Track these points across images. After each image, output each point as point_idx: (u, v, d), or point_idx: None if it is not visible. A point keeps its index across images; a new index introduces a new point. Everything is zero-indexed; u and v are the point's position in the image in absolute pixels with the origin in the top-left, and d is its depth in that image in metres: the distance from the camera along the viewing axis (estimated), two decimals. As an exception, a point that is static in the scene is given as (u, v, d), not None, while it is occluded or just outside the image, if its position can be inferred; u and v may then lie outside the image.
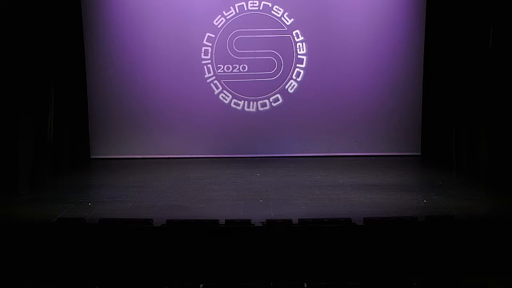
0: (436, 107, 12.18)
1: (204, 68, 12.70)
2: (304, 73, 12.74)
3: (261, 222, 7.35)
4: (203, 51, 12.65)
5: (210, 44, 12.65)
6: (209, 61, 12.70)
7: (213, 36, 12.63)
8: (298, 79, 12.78)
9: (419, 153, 12.77)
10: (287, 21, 12.61)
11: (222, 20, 12.62)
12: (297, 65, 12.73)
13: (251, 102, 12.84)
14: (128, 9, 12.55)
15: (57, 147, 11.48)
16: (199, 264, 7.11)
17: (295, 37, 12.67)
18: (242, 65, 12.67)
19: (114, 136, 12.80)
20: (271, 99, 12.81)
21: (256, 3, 12.64)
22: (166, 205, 8.95)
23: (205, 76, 12.71)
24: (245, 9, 12.61)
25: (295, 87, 12.79)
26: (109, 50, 12.60)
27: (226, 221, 7.33)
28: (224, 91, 12.78)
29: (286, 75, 12.75)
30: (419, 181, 10.96)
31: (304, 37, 12.66)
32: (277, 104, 12.83)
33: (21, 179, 9.85)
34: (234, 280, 6.61)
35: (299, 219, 7.39)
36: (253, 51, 12.62)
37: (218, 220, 7.33)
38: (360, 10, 12.58)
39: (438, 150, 12.07)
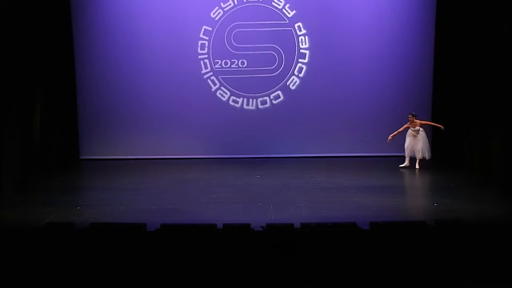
0: (446, 107, 12.12)
1: (200, 63, 12.62)
2: (306, 68, 12.66)
3: (261, 226, 7.22)
4: (199, 45, 12.58)
5: (207, 38, 12.57)
6: (206, 56, 12.61)
7: (210, 29, 12.55)
8: (300, 75, 12.69)
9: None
10: (289, 14, 12.53)
11: (220, 12, 12.53)
12: (299, 60, 12.66)
13: (251, 100, 12.75)
14: (120, 2, 12.47)
15: (45, 147, 11.49)
16: (195, 271, 6.99)
17: (297, 31, 12.59)
18: (241, 60, 12.62)
19: (105, 135, 12.70)
20: (271, 96, 12.74)
21: (255, -6, 12.70)
22: (161, 209, 8.83)
23: (202, 72, 12.65)
24: (244, 0, 12.53)
25: (297, 83, 12.71)
26: (99, 47, 12.53)
27: (224, 225, 7.23)
28: (222, 87, 12.69)
29: (287, 71, 12.70)
30: (429, 183, 10.94)
31: (306, 31, 12.58)
32: (278, 102, 12.76)
33: (7, 180, 9.79)
34: (233, 289, 6.54)
35: (301, 224, 7.26)
36: (252, 45, 12.58)
37: (216, 225, 7.20)
38: (365, 2, 12.50)
39: (448, 151, 12.03)
